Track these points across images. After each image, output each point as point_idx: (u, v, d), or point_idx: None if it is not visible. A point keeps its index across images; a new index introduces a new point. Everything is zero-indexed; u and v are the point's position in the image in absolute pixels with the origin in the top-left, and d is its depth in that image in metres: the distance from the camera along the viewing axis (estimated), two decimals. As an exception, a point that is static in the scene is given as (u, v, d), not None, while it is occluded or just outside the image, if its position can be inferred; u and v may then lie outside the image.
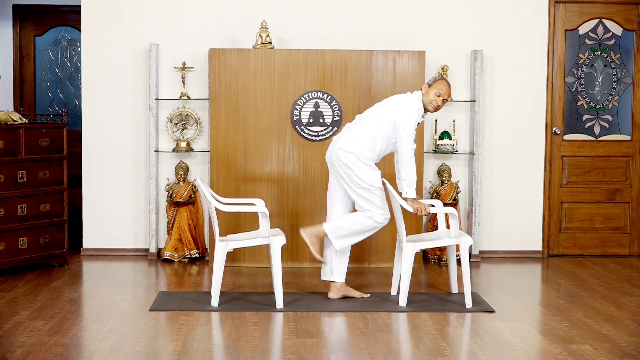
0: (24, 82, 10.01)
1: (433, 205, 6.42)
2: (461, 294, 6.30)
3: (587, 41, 8.10)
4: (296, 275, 7.09)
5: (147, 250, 7.83)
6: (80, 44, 9.33)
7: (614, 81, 8.13)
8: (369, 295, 6.29)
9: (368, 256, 7.45)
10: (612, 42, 8.11)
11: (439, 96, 6.07)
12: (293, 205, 7.42)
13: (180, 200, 7.61)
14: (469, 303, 6.03)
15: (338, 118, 7.43)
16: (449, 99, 6.16)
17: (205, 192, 6.12)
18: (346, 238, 6.12)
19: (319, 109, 7.42)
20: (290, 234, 7.33)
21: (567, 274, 7.33)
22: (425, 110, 6.13)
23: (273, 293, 6.14)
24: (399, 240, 6.24)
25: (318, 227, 6.13)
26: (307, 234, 6.13)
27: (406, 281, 6.04)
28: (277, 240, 6.05)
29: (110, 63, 7.82)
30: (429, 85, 6.10)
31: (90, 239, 7.90)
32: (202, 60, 7.77)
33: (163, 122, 7.81)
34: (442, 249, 7.65)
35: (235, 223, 7.40)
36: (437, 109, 6.12)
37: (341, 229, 6.10)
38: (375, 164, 6.17)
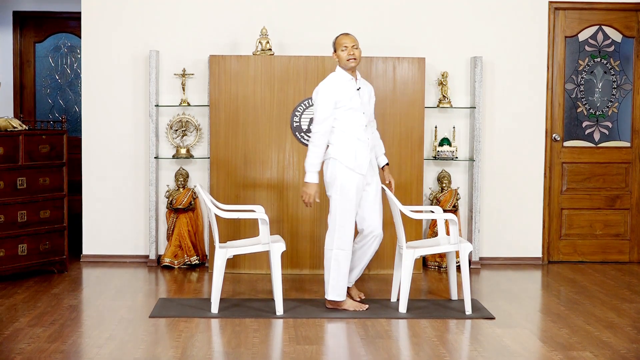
0: (24, 88, 10.02)
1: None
2: (461, 300, 6.29)
3: (586, 48, 8.11)
4: (296, 282, 7.09)
5: (147, 256, 7.82)
6: (80, 50, 9.34)
7: (614, 88, 8.14)
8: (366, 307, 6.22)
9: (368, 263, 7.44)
10: (612, 48, 8.12)
11: (344, 50, 6.00)
12: (293, 212, 7.42)
13: (180, 206, 7.61)
14: (468, 310, 6.03)
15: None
16: (357, 44, 6.04)
17: (205, 199, 6.12)
18: (340, 283, 6.06)
19: (318, 116, 7.42)
20: (290, 240, 7.33)
21: (567, 281, 7.33)
22: (351, 70, 6.05)
23: (273, 300, 6.14)
24: (398, 246, 6.23)
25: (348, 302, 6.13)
26: (352, 307, 6.12)
27: (406, 288, 6.04)
28: (277, 247, 6.05)
29: (110, 69, 7.83)
30: (335, 50, 6.05)
31: (90, 246, 7.89)
32: (202, 67, 7.78)
33: (163, 128, 7.81)
34: (442, 256, 7.64)
35: (235, 230, 7.39)
36: (355, 58, 6.01)
37: (331, 282, 6.06)
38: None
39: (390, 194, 6.16)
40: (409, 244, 6.21)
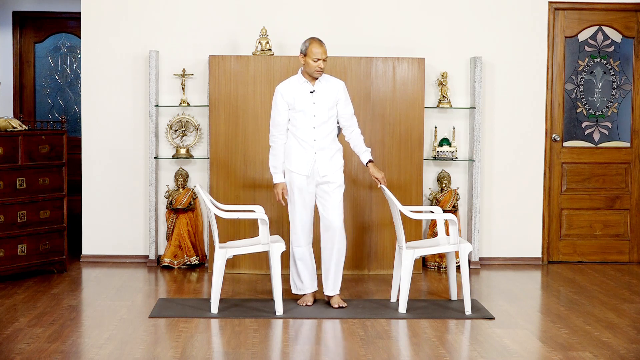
0: (23, 88, 10.02)
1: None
2: (461, 300, 6.29)
3: (586, 48, 8.11)
4: (296, 282, 7.09)
5: (147, 257, 7.82)
6: (80, 50, 9.35)
7: (614, 88, 8.14)
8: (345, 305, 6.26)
9: (367, 263, 7.45)
10: (612, 49, 8.12)
11: (316, 61, 6.00)
12: (293, 212, 7.42)
13: (179, 207, 7.61)
14: (468, 310, 6.03)
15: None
16: (326, 55, 6.06)
17: (205, 199, 6.12)
18: (294, 277, 6.34)
19: (318, 116, 7.41)
20: (289, 241, 7.32)
21: (567, 281, 7.33)
22: (314, 78, 6.09)
23: (272, 300, 6.14)
24: (398, 246, 6.24)
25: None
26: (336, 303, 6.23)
27: (406, 288, 6.04)
28: (276, 247, 6.05)
29: (110, 70, 7.83)
30: (304, 55, 6.03)
31: (89, 246, 7.89)
32: (202, 67, 7.78)
33: (163, 128, 7.81)
34: (442, 256, 7.64)
35: (235, 230, 7.39)
36: (322, 70, 6.06)
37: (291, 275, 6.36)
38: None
39: (389, 194, 6.15)
40: (408, 244, 6.21)
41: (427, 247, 6.22)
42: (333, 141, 6.18)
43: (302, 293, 6.28)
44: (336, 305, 6.17)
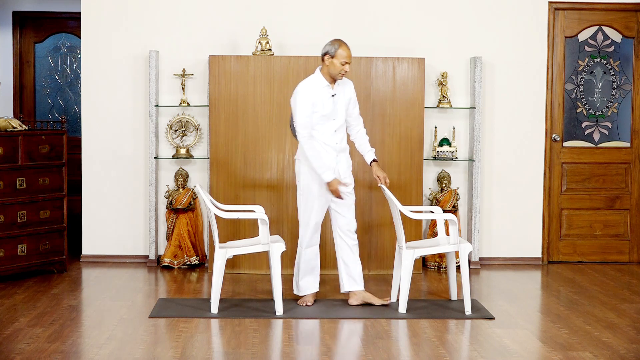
0: (23, 88, 10.02)
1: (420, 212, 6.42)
2: (461, 300, 6.29)
3: (586, 48, 8.11)
4: (296, 282, 7.09)
5: (147, 257, 7.82)
6: (80, 50, 9.35)
7: (614, 88, 8.14)
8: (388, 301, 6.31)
9: (368, 263, 7.45)
10: (612, 49, 8.12)
11: (343, 64, 6.02)
12: (293, 212, 7.42)
13: (179, 207, 7.61)
14: (468, 310, 6.03)
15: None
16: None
17: (205, 199, 6.12)
18: (296, 278, 6.32)
19: (318, 116, 7.41)
20: (289, 240, 7.33)
21: (567, 281, 7.33)
22: (333, 80, 6.11)
23: (272, 300, 6.14)
24: (398, 246, 6.24)
25: (361, 294, 6.28)
26: (358, 300, 6.26)
27: (406, 288, 6.04)
28: (276, 247, 6.05)
29: (110, 70, 7.83)
30: (332, 57, 6.02)
31: (89, 246, 7.89)
32: (202, 67, 7.78)
33: (163, 128, 7.82)
34: (442, 256, 7.64)
35: (235, 230, 7.39)
36: (345, 73, 6.10)
37: (295, 276, 6.34)
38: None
39: (389, 194, 6.15)
40: (408, 244, 6.21)
41: (427, 247, 6.22)
42: (346, 142, 6.24)
43: (304, 294, 6.28)
44: (360, 302, 6.28)
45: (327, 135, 6.08)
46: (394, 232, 7.20)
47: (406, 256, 6.05)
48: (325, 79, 6.08)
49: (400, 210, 6.10)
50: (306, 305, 6.22)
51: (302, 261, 6.23)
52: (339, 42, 6.05)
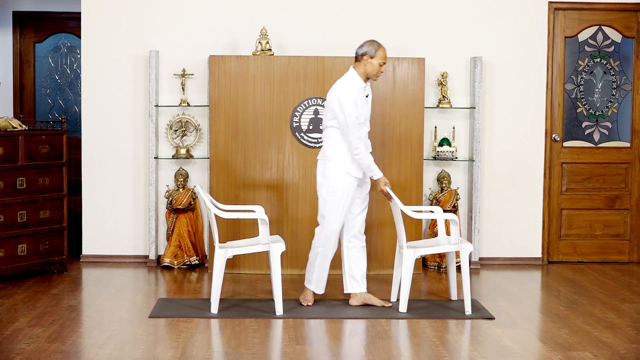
0: (23, 88, 10.02)
1: (433, 212, 6.42)
2: (461, 300, 6.30)
3: (586, 48, 8.11)
4: (296, 282, 7.09)
5: (147, 257, 7.82)
6: (80, 50, 9.35)
7: (614, 88, 8.14)
8: (390, 304, 6.28)
9: (368, 263, 7.43)
10: (612, 49, 8.12)
11: (381, 65, 6.08)
12: (293, 212, 7.42)
13: (179, 207, 7.61)
14: (468, 310, 6.03)
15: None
16: None
17: (205, 199, 6.12)
18: (321, 277, 6.25)
19: (318, 116, 7.42)
20: (289, 240, 7.33)
21: (567, 281, 7.33)
22: (367, 79, 6.13)
23: (272, 300, 6.14)
24: (399, 246, 6.24)
25: (364, 296, 6.27)
26: (359, 301, 6.25)
27: (406, 288, 6.04)
28: (276, 247, 6.05)
29: (110, 70, 7.83)
30: (371, 58, 6.04)
31: (89, 246, 7.89)
32: (202, 67, 7.78)
33: (163, 128, 7.81)
34: (442, 256, 7.64)
35: (235, 230, 7.39)
36: (379, 76, 6.16)
37: (318, 275, 6.24)
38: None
39: (391, 193, 6.15)
40: (409, 243, 6.21)
41: (428, 247, 6.22)
42: None
43: (311, 290, 6.26)
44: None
45: (362, 137, 6.10)
46: (393, 232, 7.20)
47: (407, 256, 6.05)
48: (361, 79, 6.09)
49: (401, 210, 6.10)
50: (307, 304, 6.22)
51: (329, 258, 6.19)
52: (377, 43, 6.09)
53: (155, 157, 7.70)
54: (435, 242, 6.44)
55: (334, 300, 6.43)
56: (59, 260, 7.34)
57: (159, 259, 7.77)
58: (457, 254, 6.39)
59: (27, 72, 10.03)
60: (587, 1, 8.03)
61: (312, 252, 6.27)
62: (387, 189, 6.11)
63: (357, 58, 6.08)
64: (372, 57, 6.04)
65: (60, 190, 7.32)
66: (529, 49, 7.96)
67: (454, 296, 6.46)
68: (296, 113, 7.42)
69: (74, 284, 6.97)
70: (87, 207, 7.88)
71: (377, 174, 6.07)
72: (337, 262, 6.63)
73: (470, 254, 7.70)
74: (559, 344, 5.36)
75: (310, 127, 7.42)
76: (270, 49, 7.52)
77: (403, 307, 6.05)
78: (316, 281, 6.24)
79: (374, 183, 6.20)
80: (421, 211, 6.74)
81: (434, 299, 6.56)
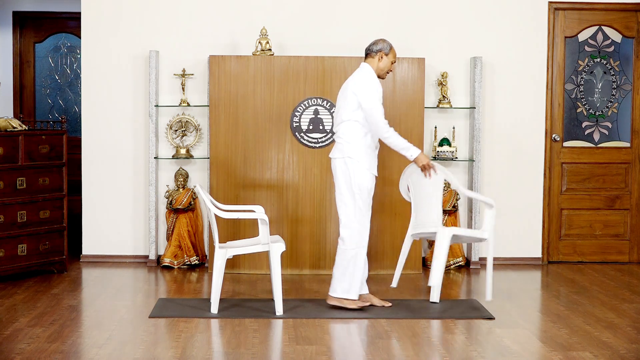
0: (23, 88, 10.02)
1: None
2: (461, 300, 6.29)
3: (586, 48, 8.11)
4: (296, 282, 7.09)
5: (147, 257, 7.82)
6: (80, 50, 9.34)
7: (614, 88, 8.14)
8: (389, 304, 6.27)
9: (368, 263, 7.43)
10: (612, 49, 8.12)
11: (393, 63, 6.17)
12: (293, 212, 7.42)
13: (179, 207, 7.61)
14: (489, 296, 6.34)
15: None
16: None
17: (205, 199, 6.12)
18: (352, 283, 6.10)
19: (318, 116, 7.42)
20: (290, 240, 7.33)
21: (567, 281, 7.33)
22: (379, 77, 6.16)
23: (273, 300, 6.14)
24: (411, 226, 6.36)
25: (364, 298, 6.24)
26: (364, 301, 6.20)
27: (441, 267, 6.21)
28: (276, 247, 6.05)
29: (110, 70, 7.83)
30: (386, 55, 6.10)
31: (89, 246, 7.89)
32: (202, 67, 7.78)
33: (163, 128, 7.81)
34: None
35: (235, 230, 7.39)
36: (388, 74, 6.24)
37: (343, 281, 6.09)
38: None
39: (442, 169, 6.33)
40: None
41: (465, 230, 6.47)
42: None
43: (359, 295, 6.16)
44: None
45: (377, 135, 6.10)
46: (393, 232, 7.23)
47: (442, 235, 6.19)
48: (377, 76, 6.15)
49: (457, 190, 6.34)
50: (362, 307, 6.16)
51: (360, 262, 6.09)
52: (389, 42, 6.17)
53: (155, 157, 7.70)
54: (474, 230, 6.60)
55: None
56: (59, 260, 7.34)
57: (159, 259, 7.77)
58: (460, 252, 6.39)
59: (27, 72, 10.03)
60: (587, 1, 8.03)
61: (341, 258, 6.07)
62: (430, 168, 6.15)
63: (371, 54, 6.12)
64: (386, 54, 6.11)
65: (60, 190, 7.32)
66: (529, 49, 7.96)
67: (488, 297, 6.39)
68: (296, 113, 7.42)
69: (74, 284, 6.97)
70: (87, 207, 7.88)
71: (415, 150, 6.07)
72: (331, 262, 6.63)
73: (470, 254, 7.72)
74: (559, 344, 5.36)
75: (310, 127, 7.42)
76: (270, 49, 7.52)
77: (435, 297, 6.29)
78: (361, 283, 6.13)
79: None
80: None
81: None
